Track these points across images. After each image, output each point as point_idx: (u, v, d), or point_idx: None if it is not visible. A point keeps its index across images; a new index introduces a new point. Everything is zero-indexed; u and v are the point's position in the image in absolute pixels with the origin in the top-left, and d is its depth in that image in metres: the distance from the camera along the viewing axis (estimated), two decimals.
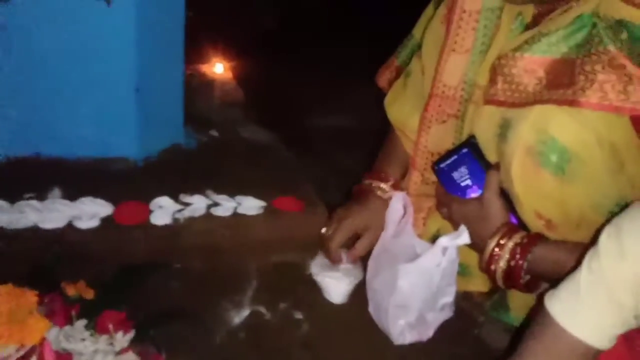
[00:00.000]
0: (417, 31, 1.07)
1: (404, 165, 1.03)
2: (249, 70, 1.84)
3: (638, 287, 0.54)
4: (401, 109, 1.03)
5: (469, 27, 0.90)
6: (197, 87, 1.60)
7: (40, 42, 1.09)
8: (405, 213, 0.97)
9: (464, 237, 0.82)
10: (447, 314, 0.91)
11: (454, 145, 0.94)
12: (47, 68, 1.11)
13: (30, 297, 0.68)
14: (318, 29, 2.14)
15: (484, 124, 0.84)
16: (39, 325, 0.65)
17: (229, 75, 1.80)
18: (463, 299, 0.96)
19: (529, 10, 0.85)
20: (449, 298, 0.90)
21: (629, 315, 0.55)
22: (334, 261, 0.97)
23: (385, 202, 0.98)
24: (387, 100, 1.06)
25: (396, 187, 1.01)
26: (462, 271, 0.92)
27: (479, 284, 0.97)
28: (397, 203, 0.96)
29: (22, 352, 0.63)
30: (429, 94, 0.95)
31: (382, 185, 1.01)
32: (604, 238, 0.58)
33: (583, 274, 0.58)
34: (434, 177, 0.95)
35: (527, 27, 0.85)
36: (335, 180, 1.47)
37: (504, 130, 0.79)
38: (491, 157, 0.85)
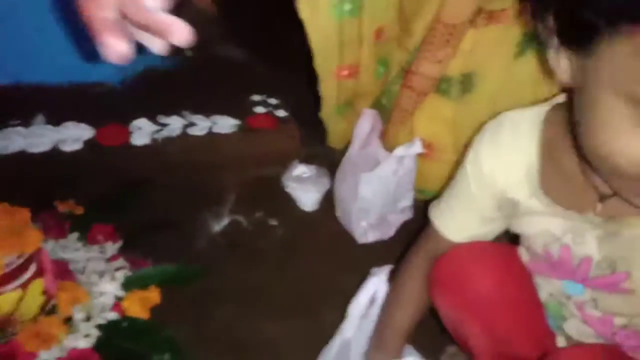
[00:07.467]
0: None
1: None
2: None
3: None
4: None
5: None
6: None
7: None
8: (372, 129, 1.02)
9: (416, 146, 0.89)
10: (407, 215, 1.00)
11: None
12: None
13: (24, 213, 0.75)
14: None
15: None
16: (33, 236, 0.73)
17: None
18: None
19: None
20: (407, 202, 0.98)
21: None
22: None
23: None
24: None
25: None
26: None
27: None
28: (365, 120, 0.98)
29: (22, 260, 0.72)
30: None
31: None
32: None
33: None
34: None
35: None
36: (309, 97, 1.50)
37: None
38: None
